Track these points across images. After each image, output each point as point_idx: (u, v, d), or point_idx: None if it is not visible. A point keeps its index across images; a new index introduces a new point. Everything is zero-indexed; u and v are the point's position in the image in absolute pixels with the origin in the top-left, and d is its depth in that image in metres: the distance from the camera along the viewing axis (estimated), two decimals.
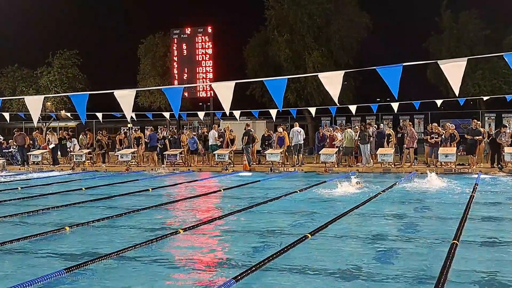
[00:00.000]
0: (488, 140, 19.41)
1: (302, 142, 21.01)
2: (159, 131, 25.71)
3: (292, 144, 20.91)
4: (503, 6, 29.43)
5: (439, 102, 20.49)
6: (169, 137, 23.21)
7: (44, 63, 39.00)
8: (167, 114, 23.34)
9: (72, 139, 24.31)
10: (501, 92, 27.46)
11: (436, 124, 20.04)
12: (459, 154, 20.34)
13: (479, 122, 19.89)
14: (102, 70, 51.86)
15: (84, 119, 11.11)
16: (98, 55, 58.32)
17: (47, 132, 26.80)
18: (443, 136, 19.50)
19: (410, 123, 21.23)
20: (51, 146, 24.01)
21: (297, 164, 20.79)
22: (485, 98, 18.37)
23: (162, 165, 21.65)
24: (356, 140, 20.15)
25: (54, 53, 38.64)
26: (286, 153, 21.89)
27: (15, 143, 24.61)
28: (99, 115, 21.64)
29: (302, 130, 21.33)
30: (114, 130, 31.28)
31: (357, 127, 21.27)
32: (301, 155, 21.04)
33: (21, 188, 15.37)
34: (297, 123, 21.85)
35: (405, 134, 19.80)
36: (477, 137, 18.60)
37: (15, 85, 39.04)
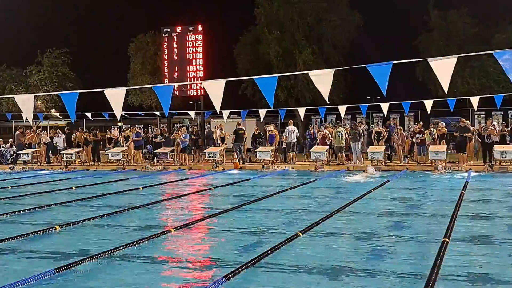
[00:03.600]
0: (479, 138, 19.52)
1: (295, 140, 21.09)
2: (150, 130, 25.53)
3: (287, 142, 20.99)
4: (492, 4, 29.66)
5: (429, 103, 20.19)
6: (160, 135, 23.01)
7: (34, 62, 38.80)
8: (158, 113, 23.22)
9: (59, 134, 23.88)
10: (490, 90, 27.65)
11: (416, 126, 20.17)
12: (449, 152, 20.44)
13: (467, 121, 19.95)
14: (92, 69, 51.43)
15: (73, 118, 11.05)
16: (88, 53, 57.89)
17: (37, 131, 26.52)
18: (434, 135, 19.60)
19: (396, 123, 21.32)
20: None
21: (288, 162, 20.81)
22: (476, 100, 18.37)
23: (146, 165, 21.47)
24: (348, 138, 20.20)
25: (43, 51, 38.46)
26: (276, 151, 21.91)
27: (24, 140, 24.26)
28: (89, 114, 21.48)
29: (296, 129, 21.48)
30: (104, 129, 31.10)
31: (347, 125, 21.34)
32: (294, 153, 21.07)
33: (11, 187, 15.26)
34: (291, 121, 21.94)
35: (393, 133, 19.93)
36: (467, 134, 18.72)
37: (3, 84, 38.81)
